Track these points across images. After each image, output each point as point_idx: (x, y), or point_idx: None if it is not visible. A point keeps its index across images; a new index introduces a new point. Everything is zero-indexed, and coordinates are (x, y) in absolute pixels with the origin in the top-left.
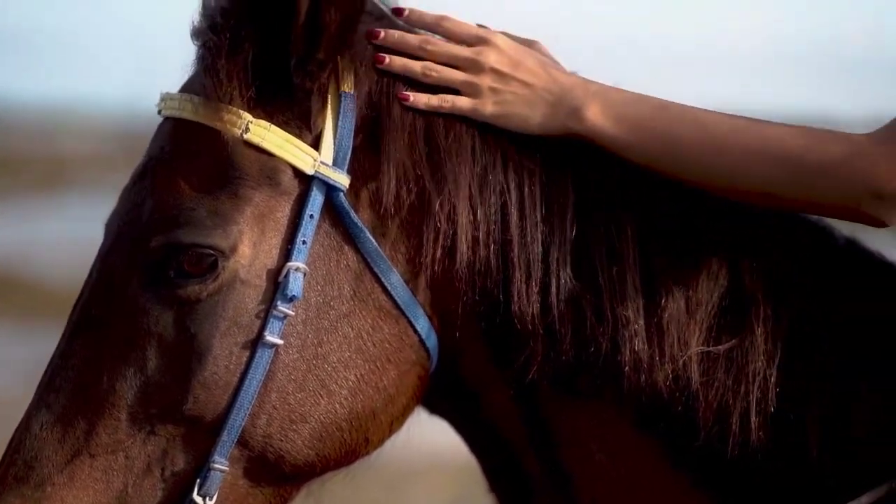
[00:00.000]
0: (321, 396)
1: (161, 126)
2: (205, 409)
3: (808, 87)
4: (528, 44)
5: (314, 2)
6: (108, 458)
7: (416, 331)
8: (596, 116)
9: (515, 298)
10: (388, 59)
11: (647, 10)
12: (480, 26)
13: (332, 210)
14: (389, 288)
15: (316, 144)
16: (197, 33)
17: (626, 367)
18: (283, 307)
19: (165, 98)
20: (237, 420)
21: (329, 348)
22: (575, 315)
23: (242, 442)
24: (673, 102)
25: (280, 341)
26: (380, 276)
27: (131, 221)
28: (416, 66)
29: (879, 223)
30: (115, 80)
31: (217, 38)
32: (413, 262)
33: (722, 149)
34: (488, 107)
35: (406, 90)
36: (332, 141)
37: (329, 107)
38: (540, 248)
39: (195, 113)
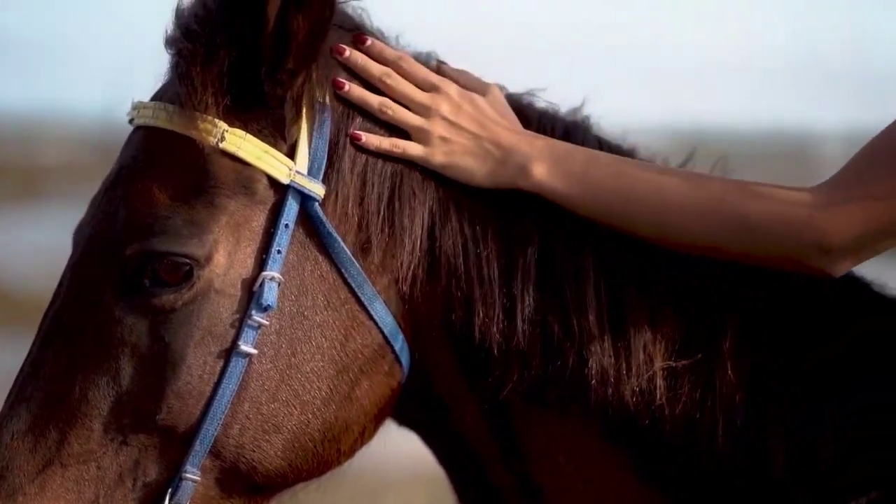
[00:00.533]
0: (294, 406)
1: (133, 135)
2: (178, 418)
3: (790, 97)
4: (484, 89)
5: (283, 9)
6: (80, 468)
7: (388, 342)
8: (543, 175)
9: (480, 319)
10: (347, 86)
11: (626, 19)
12: (440, 63)
13: (307, 219)
14: (363, 298)
15: (291, 154)
16: (171, 41)
17: (593, 381)
18: (257, 317)
19: (138, 107)
20: (210, 430)
21: (302, 358)
22: (542, 334)
23: (215, 452)
24: (624, 159)
25: (254, 351)
26: (353, 286)
27: (104, 230)
28: (373, 100)
29: (826, 274)
30: (92, 90)
31: (191, 46)
32: (386, 274)
33: (669, 207)
34: (438, 156)
35: (360, 120)
36: (307, 150)
37: (304, 116)
38: (502, 274)
39: (169, 121)
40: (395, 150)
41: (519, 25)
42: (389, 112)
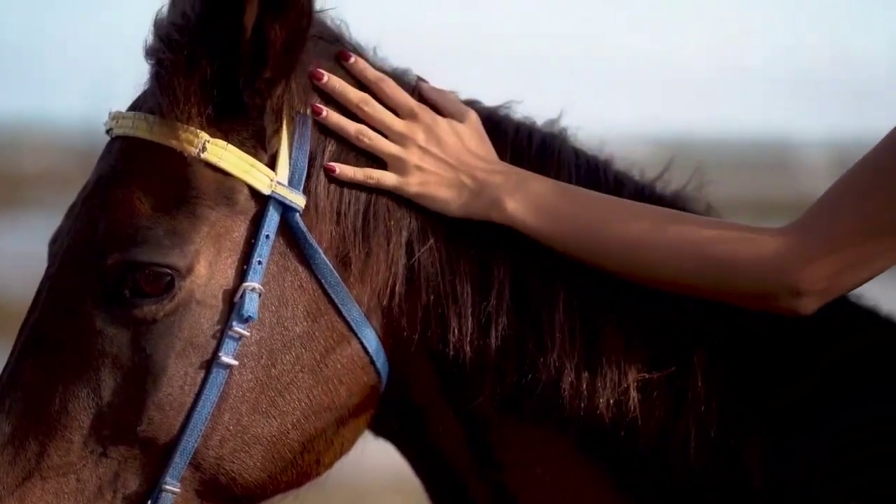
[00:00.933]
0: (274, 417)
1: (111, 145)
2: (158, 430)
3: (772, 107)
4: (462, 114)
5: (259, 18)
6: (60, 481)
7: (367, 352)
8: (516, 209)
9: (455, 336)
10: (324, 112)
11: (606, 27)
12: (420, 81)
13: (288, 230)
14: (343, 309)
15: (272, 164)
16: (151, 51)
17: (567, 394)
18: (238, 327)
19: (117, 117)
20: (190, 441)
21: (282, 369)
22: (516, 351)
23: (195, 464)
24: (596, 194)
25: (235, 362)
26: (333, 297)
27: (83, 240)
28: (350, 128)
29: (796, 314)
30: (73, 98)
31: (172, 55)
32: (366, 286)
33: (641, 245)
34: (412, 186)
35: (336, 144)
36: (287, 161)
37: (284, 127)
38: (476, 293)
39: (150, 131)
40: (368, 181)
41: (496, 36)
42: (366, 140)
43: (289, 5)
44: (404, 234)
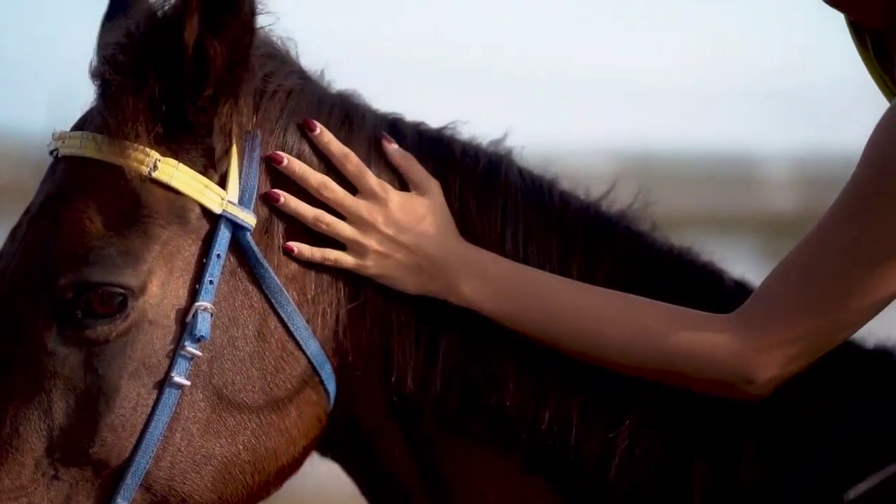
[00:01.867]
0: (225, 438)
1: (57, 165)
2: (110, 452)
3: (734, 120)
4: (424, 184)
5: (200, 35)
6: None
7: (316, 373)
8: (473, 293)
9: (400, 363)
10: (282, 199)
11: (569, 42)
12: (384, 137)
13: (239, 249)
14: (293, 329)
15: (223, 183)
16: (97, 72)
17: (513, 416)
18: (190, 347)
19: (62, 137)
20: (142, 463)
21: (233, 389)
22: (462, 377)
23: (146, 485)
24: (553, 278)
25: (187, 382)
26: (283, 316)
27: (33, 261)
28: (308, 213)
29: (752, 398)
30: (37, 110)
31: (118, 76)
32: (316, 306)
33: (598, 334)
34: (370, 269)
35: (290, 226)
36: (237, 180)
37: (234, 145)
38: (421, 324)
39: (99, 151)
40: (326, 262)
41: (449, 51)
42: (324, 226)
43: (228, 23)
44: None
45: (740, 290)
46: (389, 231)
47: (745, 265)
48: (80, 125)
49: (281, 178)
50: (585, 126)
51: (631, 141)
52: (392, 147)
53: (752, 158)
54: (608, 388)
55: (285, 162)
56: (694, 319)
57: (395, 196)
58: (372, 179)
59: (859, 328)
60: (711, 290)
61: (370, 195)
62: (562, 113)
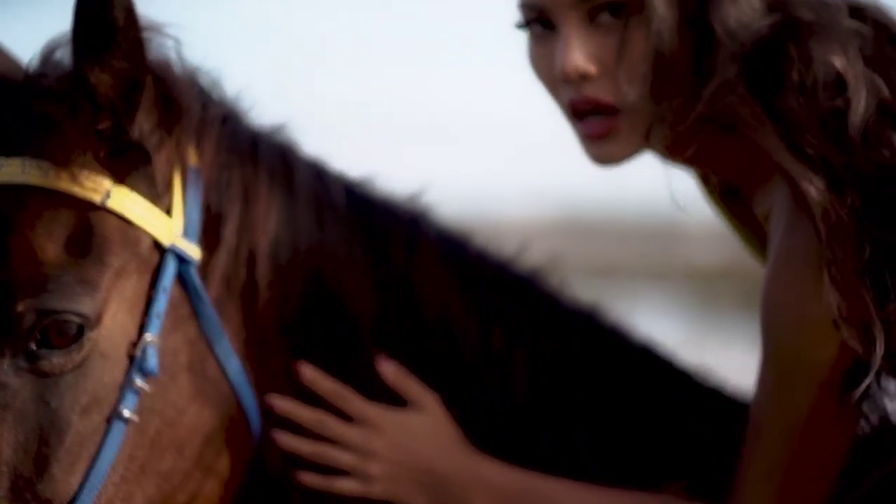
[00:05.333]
0: (163, 478)
1: None
2: (57, 487)
3: (660, 174)
4: (420, 400)
5: (77, 65)
6: None
7: (247, 417)
8: None
9: None
10: (280, 438)
11: (498, 91)
12: (383, 362)
13: (182, 283)
14: (226, 368)
15: (169, 214)
16: (38, 101)
17: None
18: (139, 382)
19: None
20: (87, 500)
21: (172, 426)
22: None
23: None
24: (561, 484)
25: (136, 417)
26: (218, 355)
27: None
28: (306, 448)
29: None
30: None
31: (53, 103)
32: (250, 347)
33: None
34: (376, 491)
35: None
36: (181, 212)
37: (177, 178)
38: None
39: (46, 178)
40: (332, 488)
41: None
42: (323, 458)
43: (105, 50)
44: None
45: (645, 353)
46: (391, 455)
47: (674, 316)
48: (15, 151)
49: (213, 224)
50: (512, 173)
51: (560, 189)
52: (389, 368)
53: (676, 218)
54: None
55: (277, 404)
56: None
57: (392, 419)
58: (367, 409)
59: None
60: (617, 354)
61: (367, 423)
62: (489, 159)
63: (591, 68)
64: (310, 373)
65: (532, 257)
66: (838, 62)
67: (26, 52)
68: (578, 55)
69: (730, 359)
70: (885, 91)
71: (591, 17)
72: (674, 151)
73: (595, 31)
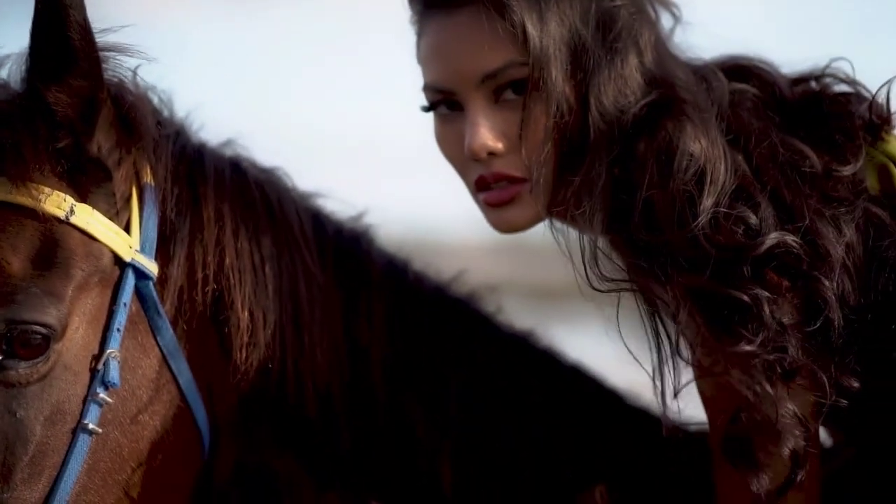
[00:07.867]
0: (122, 489)
1: None
2: (22, 496)
3: None
4: None
5: (33, 84)
6: None
7: (200, 433)
8: None
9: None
10: None
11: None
12: None
13: (140, 298)
14: (181, 382)
15: (127, 230)
16: None
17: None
18: (101, 394)
19: None
20: None
21: (136, 438)
22: None
23: None
24: None
25: (99, 429)
26: (174, 369)
27: None
28: None
29: None
30: None
31: (11, 125)
32: (210, 367)
33: None
34: None
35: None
36: (139, 228)
37: (134, 195)
38: None
39: (9, 194)
40: None
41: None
42: None
43: (62, 70)
44: None
45: (576, 374)
46: None
47: (614, 335)
48: None
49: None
50: (457, 196)
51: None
52: None
53: None
54: None
55: None
56: None
57: None
58: None
59: None
60: (548, 376)
61: None
62: (433, 181)
63: (499, 145)
64: None
65: (470, 280)
66: (697, 147)
67: None
68: (486, 133)
69: None
70: (745, 168)
71: (496, 97)
72: (561, 217)
73: (500, 109)
